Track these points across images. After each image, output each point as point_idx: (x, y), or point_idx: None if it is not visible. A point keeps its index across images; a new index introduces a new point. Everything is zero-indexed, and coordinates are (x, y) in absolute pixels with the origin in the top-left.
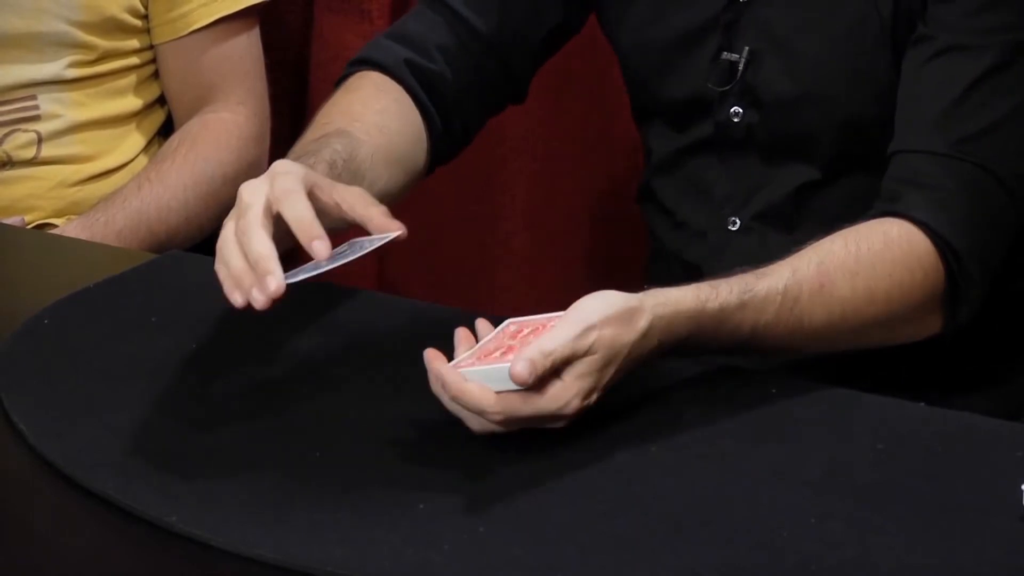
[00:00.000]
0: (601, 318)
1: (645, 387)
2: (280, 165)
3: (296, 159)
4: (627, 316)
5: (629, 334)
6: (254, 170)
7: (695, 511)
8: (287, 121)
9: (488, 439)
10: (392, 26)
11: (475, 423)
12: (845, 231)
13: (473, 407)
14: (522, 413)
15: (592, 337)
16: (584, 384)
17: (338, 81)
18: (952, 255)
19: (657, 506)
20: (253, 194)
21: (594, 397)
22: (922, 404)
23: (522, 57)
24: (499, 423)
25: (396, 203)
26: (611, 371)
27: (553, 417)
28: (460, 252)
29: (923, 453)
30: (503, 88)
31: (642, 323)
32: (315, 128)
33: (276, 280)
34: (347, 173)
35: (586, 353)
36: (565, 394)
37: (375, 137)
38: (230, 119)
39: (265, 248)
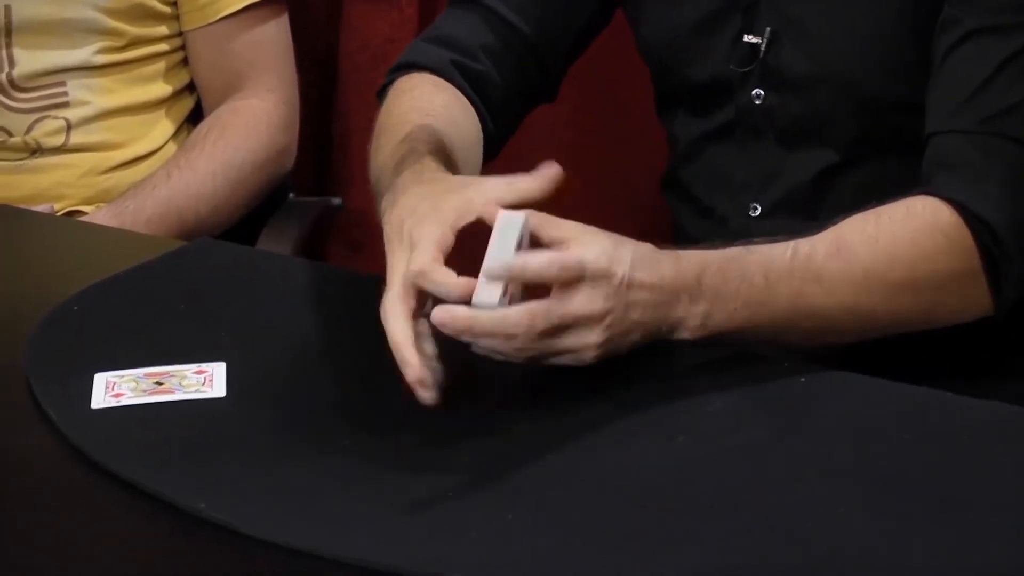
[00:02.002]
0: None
1: (670, 376)
2: (415, 229)
3: (395, 171)
4: (616, 239)
5: (626, 241)
6: (283, 158)
7: (721, 502)
8: (315, 109)
9: (515, 426)
10: (427, 30)
11: (510, 349)
12: (867, 209)
13: (499, 331)
14: (553, 315)
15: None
16: (600, 245)
17: (380, 90)
18: (985, 229)
19: (683, 497)
20: (393, 271)
21: (623, 271)
22: (950, 393)
23: (557, 54)
24: (529, 339)
25: None
26: (629, 254)
27: (587, 322)
28: (485, 241)
29: (951, 443)
30: (539, 87)
31: (642, 246)
32: (389, 134)
33: (413, 370)
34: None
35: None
36: (582, 250)
37: (451, 128)
38: (259, 106)
39: (399, 335)
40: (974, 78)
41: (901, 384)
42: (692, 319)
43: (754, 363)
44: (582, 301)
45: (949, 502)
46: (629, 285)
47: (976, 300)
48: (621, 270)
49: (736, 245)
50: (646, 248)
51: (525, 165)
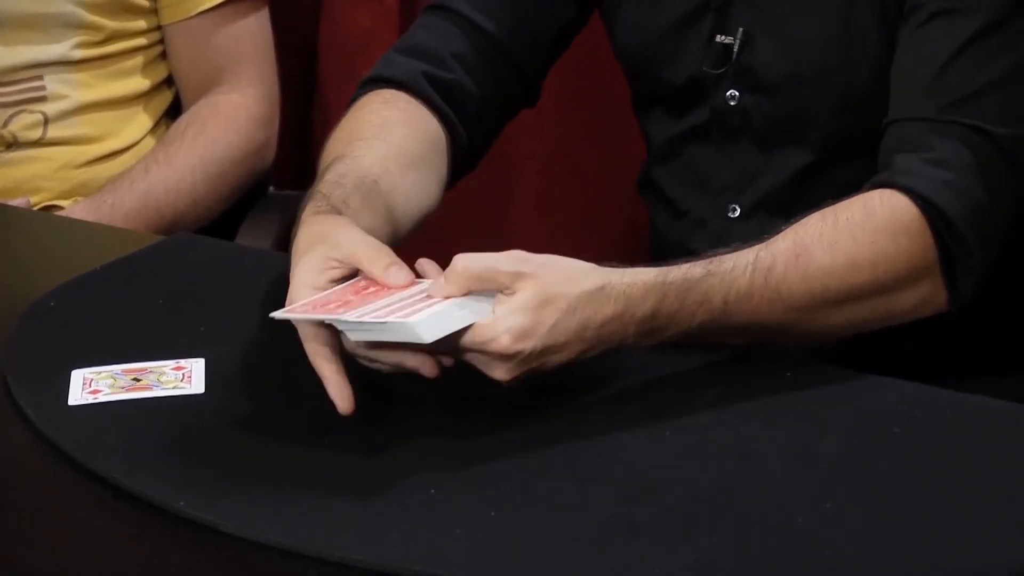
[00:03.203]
0: (541, 260)
1: (659, 371)
2: (294, 269)
3: (305, 200)
4: (572, 271)
5: (572, 287)
6: (263, 152)
7: (710, 497)
8: (296, 102)
9: (500, 421)
10: (401, 39)
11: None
12: (824, 208)
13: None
14: (454, 344)
15: (522, 268)
16: (515, 322)
17: (350, 102)
18: (941, 220)
19: (671, 491)
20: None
21: (531, 345)
22: (938, 388)
23: (535, 58)
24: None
25: (431, 210)
26: (551, 321)
27: (483, 354)
28: (472, 235)
29: (940, 437)
30: (518, 92)
31: (590, 281)
32: (324, 160)
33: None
34: (360, 196)
35: (514, 285)
36: (492, 328)
37: (378, 148)
38: (239, 101)
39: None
40: (935, 62)
41: (891, 379)
42: (641, 341)
43: (744, 358)
44: (483, 364)
45: (939, 496)
46: (540, 354)
47: (934, 296)
48: (529, 345)
49: (702, 260)
50: (585, 293)
51: (506, 163)
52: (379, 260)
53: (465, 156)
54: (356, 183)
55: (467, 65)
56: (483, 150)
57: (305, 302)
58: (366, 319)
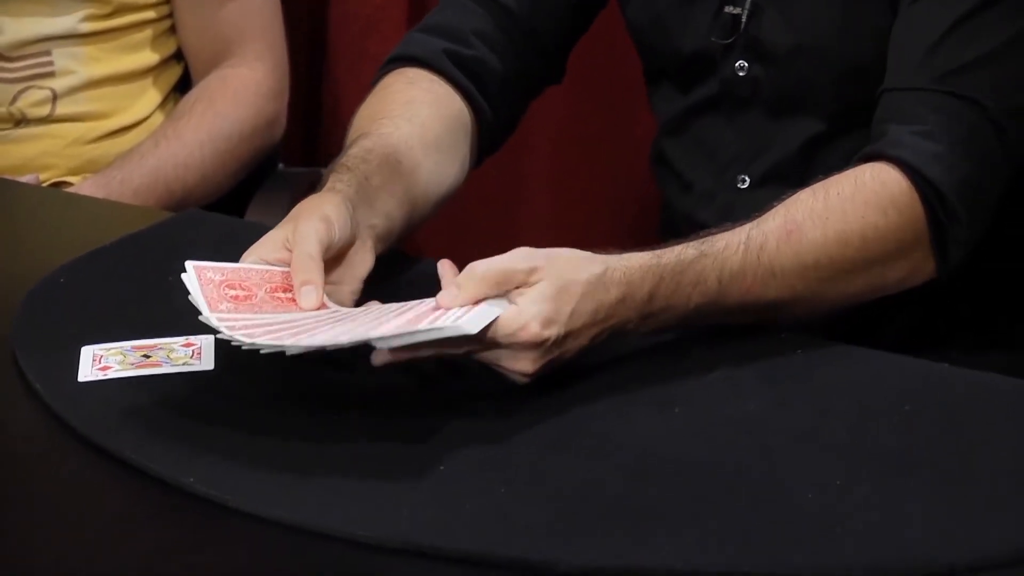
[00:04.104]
0: (546, 253)
1: (667, 348)
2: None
3: (328, 186)
4: (576, 259)
5: (580, 274)
6: (272, 127)
7: (718, 473)
8: (305, 78)
9: (509, 399)
10: (423, 20)
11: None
12: (815, 183)
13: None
14: (483, 340)
15: (534, 263)
16: (540, 309)
17: (372, 81)
18: (932, 190)
19: (680, 469)
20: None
21: (556, 331)
22: (946, 365)
23: (557, 34)
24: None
25: (452, 191)
26: (570, 307)
27: (513, 346)
28: (484, 214)
29: (949, 415)
30: (541, 69)
31: (595, 267)
32: (349, 137)
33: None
34: (382, 175)
35: (530, 280)
36: (519, 318)
37: (404, 127)
38: (248, 75)
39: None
40: (931, 34)
41: (900, 356)
42: (641, 326)
43: (752, 335)
44: (508, 359)
45: (948, 473)
46: (562, 340)
47: (921, 266)
48: (555, 332)
49: (694, 241)
50: (593, 277)
51: (517, 144)
52: (301, 273)
53: (492, 133)
54: (380, 161)
55: (489, 42)
56: (509, 128)
57: (218, 280)
58: (403, 331)
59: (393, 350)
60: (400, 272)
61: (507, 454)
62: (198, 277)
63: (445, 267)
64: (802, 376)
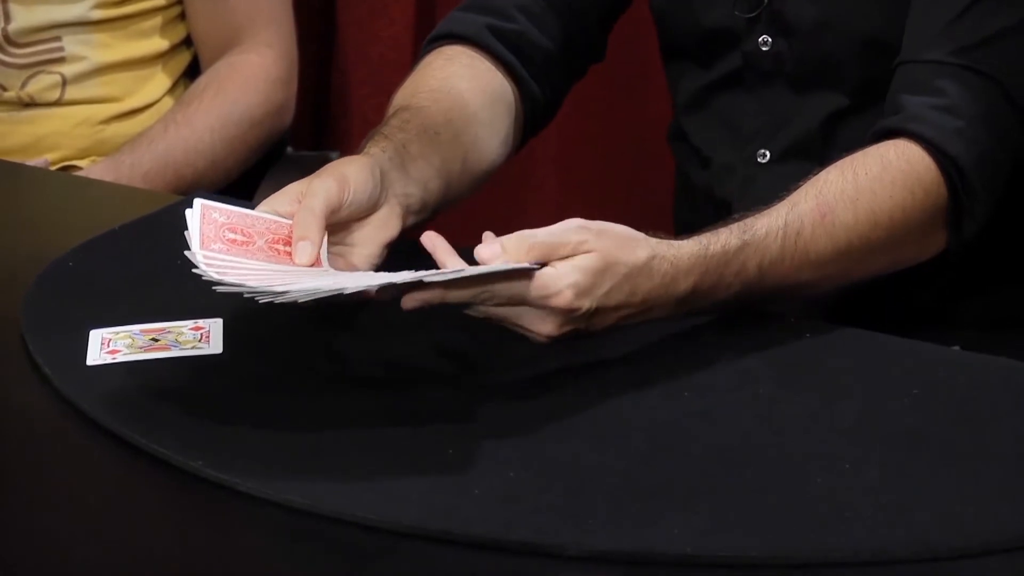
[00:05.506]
0: (598, 227)
1: (678, 331)
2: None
3: (365, 150)
4: (626, 239)
5: (628, 255)
6: (281, 113)
7: (728, 457)
8: (314, 63)
9: (518, 382)
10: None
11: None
12: (842, 161)
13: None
14: (507, 293)
15: (584, 236)
16: (578, 278)
17: (415, 61)
18: (953, 167)
19: (689, 452)
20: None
21: (588, 304)
22: (957, 348)
23: (599, 10)
24: (488, 310)
25: (492, 167)
26: (608, 285)
27: (544, 308)
28: (492, 196)
29: (959, 398)
30: (584, 46)
31: (642, 252)
32: (388, 112)
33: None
34: (419, 145)
35: (577, 251)
36: (557, 282)
37: (442, 101)
38: (257, 61)
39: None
40: (953, 7)
41: (909, 340)
42: (674, 312)
43: (762, 319)
44: (533, 319)
45: (957, 457)
46: (595, 313)
47: (936, 242)
48: (586, 304)
49: (736, 228)
50: (640, 262)
51: None
52: (300, 228)
53: (536, 109)
54: (419, 131)
55: (532, 17)
56: (554, 106)
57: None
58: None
59: (425, 292)
60: (411, 261)
61: (515, 439)
62: (202, 215)
63: (434, 240)
64: (811, 360)
